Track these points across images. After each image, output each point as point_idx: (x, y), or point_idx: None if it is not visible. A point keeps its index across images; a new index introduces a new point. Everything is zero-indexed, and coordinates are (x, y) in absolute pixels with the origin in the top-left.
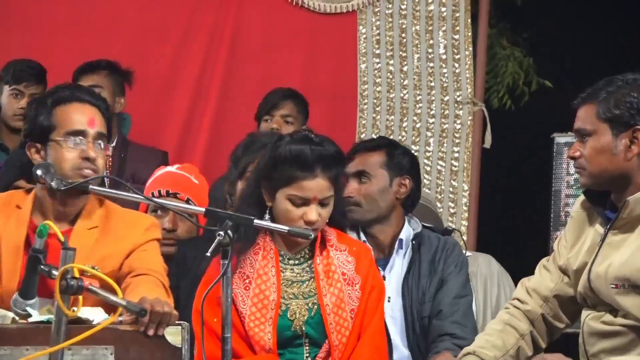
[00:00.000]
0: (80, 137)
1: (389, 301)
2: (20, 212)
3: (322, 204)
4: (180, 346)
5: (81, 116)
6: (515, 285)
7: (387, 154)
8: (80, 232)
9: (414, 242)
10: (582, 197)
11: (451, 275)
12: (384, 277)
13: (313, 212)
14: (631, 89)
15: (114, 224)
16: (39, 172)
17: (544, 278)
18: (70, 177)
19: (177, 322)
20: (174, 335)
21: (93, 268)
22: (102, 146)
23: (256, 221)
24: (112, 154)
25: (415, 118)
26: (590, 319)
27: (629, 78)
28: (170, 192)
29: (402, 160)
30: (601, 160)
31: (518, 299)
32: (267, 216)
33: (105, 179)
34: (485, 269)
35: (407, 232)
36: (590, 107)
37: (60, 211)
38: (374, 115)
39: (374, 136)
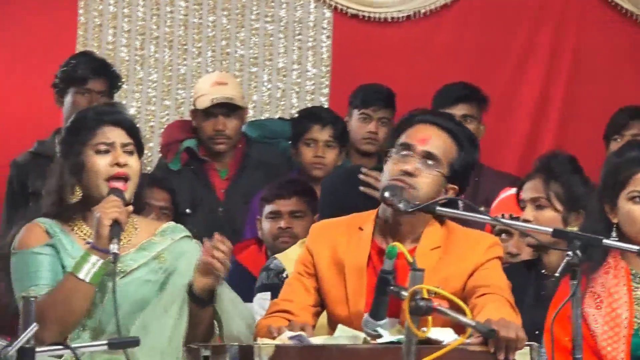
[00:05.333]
0: None
1: None
2: (362, 233)
3: None
4: None
5: None
6: None
7: None
8: (423, 253)
9: None
10: None
11: None
12: None
13: None
14: None
15: (455, 243)
16: (386, 194)
17: None
18: None
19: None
20: (523, 356)
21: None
22: None
23: (605, 241)
24: None
25: None
26: None
27: None
28: (513, 216)
29: None
30: None
31: None
32: (613, 233)
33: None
34: None
35: None
36: None
37: (398, 231)
38: None
39: None
